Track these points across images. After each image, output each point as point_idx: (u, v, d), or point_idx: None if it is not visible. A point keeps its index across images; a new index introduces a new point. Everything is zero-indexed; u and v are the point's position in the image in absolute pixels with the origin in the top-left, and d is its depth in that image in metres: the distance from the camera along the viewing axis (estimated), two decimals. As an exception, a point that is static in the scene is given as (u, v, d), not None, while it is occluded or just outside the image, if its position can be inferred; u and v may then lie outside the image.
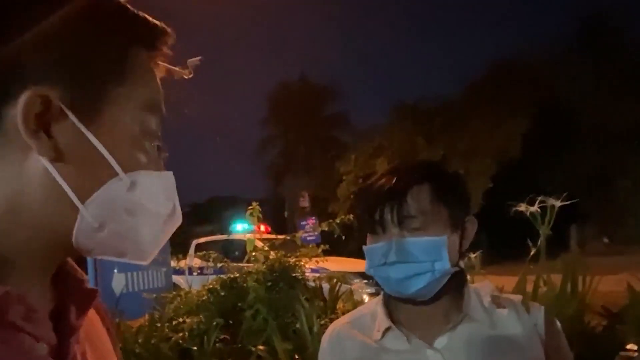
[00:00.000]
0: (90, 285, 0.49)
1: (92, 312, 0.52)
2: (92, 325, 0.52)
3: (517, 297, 0.89)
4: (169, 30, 0.47)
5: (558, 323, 0.87)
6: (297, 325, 2.59)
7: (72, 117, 0.40)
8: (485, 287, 0.89)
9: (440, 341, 0.82)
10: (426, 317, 0.84)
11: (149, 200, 0.44)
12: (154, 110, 0.46)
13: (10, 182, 0.40)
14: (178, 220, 0.49)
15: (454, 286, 0.84)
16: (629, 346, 1.95)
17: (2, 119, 0.39)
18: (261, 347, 2.49)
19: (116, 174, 0.42)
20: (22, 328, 0.39)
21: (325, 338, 0.93)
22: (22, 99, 0.38)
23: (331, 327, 0.94)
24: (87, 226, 0.42)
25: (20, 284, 0.41)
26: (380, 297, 0.91)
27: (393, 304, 0.88)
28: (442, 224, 0.80)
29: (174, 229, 0.49)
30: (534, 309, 0.86)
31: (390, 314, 0.86)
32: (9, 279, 0.40)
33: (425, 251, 0.78)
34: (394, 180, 0.82)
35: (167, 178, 0.47)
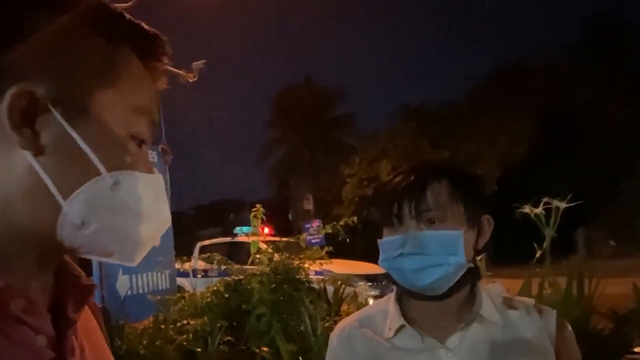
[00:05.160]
0: (86, 281, 0.51)
1: (86, 308, 0.53)
2: (88, 320, 0.54)
3: (530, 300, 0.89)
4: (163, 38, 0.48)
5: (569, 327, 0.86)
6: (301, 327, 2.59)
7: (56, 113, 0.41)
8: (497, 288, 0.89)
9: (453, 340, 0.81)
10: (438, 314, 0.83)
11: (133, 200, 0.45)
12: (142, 114, 0.47)
13: (1, 179, 0.41)
14: (165, 222, 0.49)
15: (467, 283, 0.83)
16: (636, 349, 1.94)
17: None
18: (265, 349, 2.50)
19: (99, 173, 0.43)
20: (23, 320, 0.41)
21: (334, 336, 0.92)
22: (8, 94, 0.40)
23: (340, 326, 0.93)
24: (69, 223, 0.42)
25: (20, 278, 0.42)
26: (391, 295, 0.90)
27: (406, 302, 0.87)
28: (458, 219, 0.81)
29: (161, 231, 0.49)
30: (546, 312, 0.86)
31: (403, 312, 0.85)
32: (9, 273, 0.41)
33: (441, 244, 0.78)
34: (413, 177, 0.83)
35: (155, 180, 0.48)
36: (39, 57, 0.42)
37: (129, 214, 0.45)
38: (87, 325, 0.52)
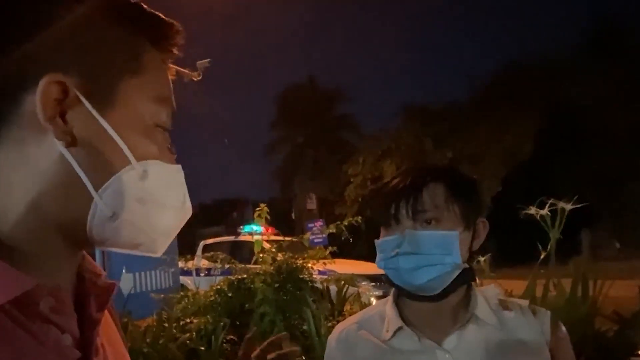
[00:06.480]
0: (107, 279, 0.50)
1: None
2: (106, 319, 0.53)
3: (524, 301, 0.90)
4: (179, 28, 0.48)
5: (564, 328, 0.87)
6: (305, 327, 2.59)
7: (87, 104, 0.41)
8: (491, 290, 0.91)
9: (450, 341, 0.82)
10: (434, 316, 0.84)
11: (159, 190, 0.45)
12: (164, 103, 0.47)
13: (27, 168, 0.40)
14: (188, 212, 0.49)
15: (462, 284, 0.84)
16: (640, 352, 1.93)
17: (20, 104, 0.40)
18: (268, 348, 2.49)
19: (129, 163, 0.42)
20: (50, 320, 0.40)
21: (332, 339, 0.92)
22: (41, 84, 0.39)
23: (338, 328, 0.93)
24: (100, 215, 0.42)
25: (49, 275, 0.41)
26: (389, 298, 0.91)
27: (403, 304, 0.88)
28: (454, 220, 0.82)
29: (184, 222, 0.49)
30: (541, 313, 0.87)
31: (400, 314, 0.86)
32: (40, 270, 0.40)
33: (437, 244, 0.80)
34: (411, 178, 0.85)
35: (177, 171, 0.48)
36: (66, 47, 0.41)
37: (156, 204, 0.44)
38: (105, 323, 0.52)
